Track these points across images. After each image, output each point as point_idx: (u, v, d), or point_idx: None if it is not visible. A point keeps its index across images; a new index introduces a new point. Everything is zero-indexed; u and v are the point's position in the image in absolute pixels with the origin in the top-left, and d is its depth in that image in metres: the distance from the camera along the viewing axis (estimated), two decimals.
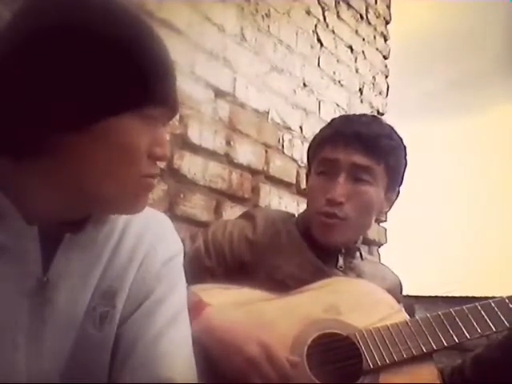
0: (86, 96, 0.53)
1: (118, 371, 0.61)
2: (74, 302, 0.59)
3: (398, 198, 1.11)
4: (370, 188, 0.99)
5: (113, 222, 0.65)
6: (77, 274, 0.60)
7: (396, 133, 1.06)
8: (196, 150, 1.44)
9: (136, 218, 0.67)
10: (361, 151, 0.98)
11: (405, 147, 1.07)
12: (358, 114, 1.15)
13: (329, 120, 1.14)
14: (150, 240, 0.67)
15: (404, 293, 1.20)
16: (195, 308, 0.78)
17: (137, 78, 0.55)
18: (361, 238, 1.12)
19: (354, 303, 0.94)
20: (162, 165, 0.65)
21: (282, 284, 0.96)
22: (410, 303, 2.23)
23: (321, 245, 1.02)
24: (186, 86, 1.43)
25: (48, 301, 0.57)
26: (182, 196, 1.38)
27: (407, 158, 1.08)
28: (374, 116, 1.14)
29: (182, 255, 0.72)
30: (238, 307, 0.88)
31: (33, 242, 0.57)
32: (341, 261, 1.05)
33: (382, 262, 2.03)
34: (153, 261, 0.66)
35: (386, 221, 2.14)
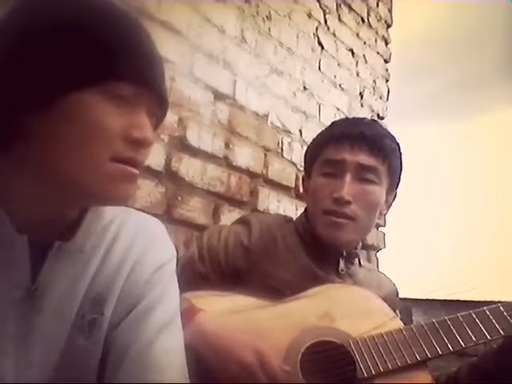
0: (45, 72, 0.54)
1: (109, 379, 0.60)
2: (62, 310, 0.59)
3: (396, 201, 1.12)
4: (375, 187, 1.01)
5: (103, 229, 0.65)
6: (66, 283, 0.60)
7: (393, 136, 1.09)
8: (195, 152, 1.44)
9: (127, 225, 0.67)
10: (366, 151, 1.00)
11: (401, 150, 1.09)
12: (358, 117, 1.18)
13: (328, 123, 1.15)
14: (140, 247, 0.67)
15: (402, 296, 1.20)
16: (187, 313, 0.78)
17: (95, 53, 0.55)
18: (360, 242, 1.12)
19: (349, 310, 0.94)
20: (146, 154, 0.60)
21: (276, 291, 0.95)
22: (408, 306, 2.23)
23: (323, 247, 1.02)
24: (186, 87, 1.43)
25: (36, 309, 0.57)
26: (179, 199, 1.38)
27: (403, 161, 1.09)
28: (373, 119, 1.16)
29: (175, 262, 0.72)
30: (231, 314, 0.88)
31: (22, 251, 0.57)
32: (342, 264, 1.04)
33: (380, 266, 2.03)
34: (143, 267, 0.66)
35: (384, 226, 2.14)
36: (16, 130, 0.55)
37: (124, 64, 0.56)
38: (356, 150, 1.00)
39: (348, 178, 0.99)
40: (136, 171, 0.59)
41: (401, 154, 1.07)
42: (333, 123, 1.13)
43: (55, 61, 0.54)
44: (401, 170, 1.08)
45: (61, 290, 0.59)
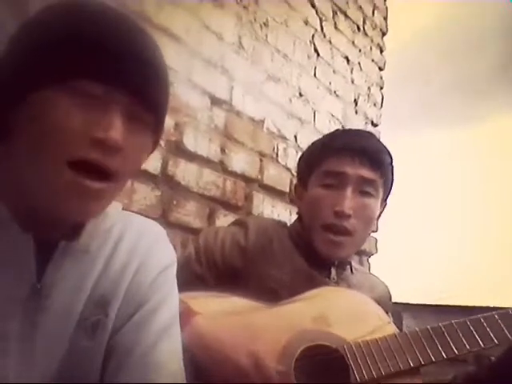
0: (18, 69, 0.54)
1: (109, 380, 0.61)
2: (66, 310, 0.60)
3: (389, 207, 1.14)
4: (373, 200, 1.03)
5: (108, 231, 0.65)
6: (70, 282, 0.60)
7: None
8: (191, 157, 1.45)
9: (130, 228, 0.68)
10: (367, 165, 1.01)
11: None
12: (354, 128, 1.20)
13: (323, 130, 1.17)
14: (144, 250, 0.67)
15: (393, 300, 1.21)
16: (184, 316, 0.78)
17: (61, 49, 0.53)
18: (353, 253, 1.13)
19: (344, 314, 0.95)
20: (120, 161, 0.55)
21: (272, 292, 0.96)
22: (398, 311, 2.25)
23: (317, 256, 1.03)
24: (183, 93, 1.44)
25: (41, 308, 0.58)
26: (175, 203, 1.39)
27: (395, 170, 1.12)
28: (368, 131, 1.18)
29: (176, 265, 0.73)
30: (227, 316, 0.88)
31: (28, 249, 0.57)
32: (333, 272, 1.06)
33: (372, 271, 2.05)
34: (147, 271, 0.67)
35: (376, 231, 2.15)
36: (2, 127, 0.56)
37: (93, 61, 0.53)
38: (357, 164, 1.01)
39: (349, 191, 1.00)
40: (99, 185, 0.53)
41: (393, 166, 1.09)
42: (333, 134, 1.13)
43: (27, 57, 0.54)
44: (392, 181, 1.10)
45: (65, 290, 0.60)
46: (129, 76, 0.55)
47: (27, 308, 0.57)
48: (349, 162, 1.01)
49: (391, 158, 1.08)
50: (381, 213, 1.12)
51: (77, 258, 0.61)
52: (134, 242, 0.67)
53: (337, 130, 1.17)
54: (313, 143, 1.14)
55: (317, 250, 1.02)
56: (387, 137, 2.24)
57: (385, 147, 1.09)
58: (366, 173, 1.01)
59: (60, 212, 0.55)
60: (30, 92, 0.53)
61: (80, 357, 0.60)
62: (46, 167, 0.53)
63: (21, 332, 0.56)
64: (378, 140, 1.11)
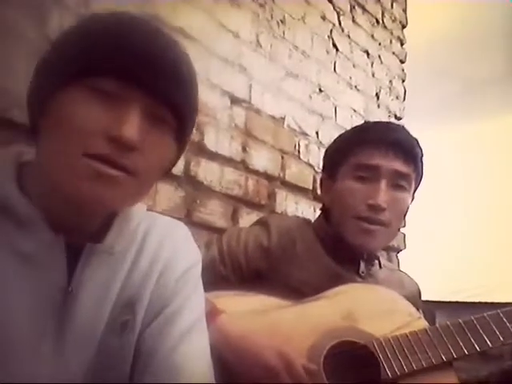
0: (46, 71, 0.57)
1: (137, 381, 0.61)
2: (95, 311, 0.60)
3: (417, 202, 1.12)
4: (405, 194, 1.02)
5: (133, 232, 0.65)
6: (98, 284, 0.61)
7: None
8: (212, 156, 1.45)
9: (155, 228, 0.68)
10: (401, 158, 1.00)
11: None
12: (384, 120, 1.18)
13: (345, 125, 1.15)
14: (169, 250, 0.68)
15: (424, 298, 1.18)
16: (209, 316, 0.78)
17: (79, 47, 0.55)
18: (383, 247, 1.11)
19: (372, 310, 0.93)
20: (137, 159, 0.55)
21: (297, 291, 0.95)
22: (431, 309, 2.20)
23: (345, 250, 1.01)
24: (202, 93, 1.43)
25: (71, 310, 0.58)
26: (198, 203, 1.39)
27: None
28: (399, 124, 1.16)
29: (200, 265, 0.73)
30: (253, 315, 0.88)
31: (60, 253, 0.58)
32: (362, 266, 1.04)
33: (401, 267, 2.01)
34: (172, 271, 0.67)
35: (404, 226, 2.11)
36: (34, 130, 0.58)
37: (111, 59, 0.54)
38: (391, 157, 0.99)
39: (383, 184, 0.99)
40: (114, 172, 0.54)
41: (423, 160, 1.07)
42: (363, 126, 1.12)
43: (54, 57, 0.57)
44: (422, 175, 1.08)
45: (94, 291, 0.60)
46: (150, 76, 0.55)
47: (58, 310, 0.57)
48: (382, 155, 0.99)
49: (422, 151, 1.06)
50: (408, 207, 1.10)
51: (103, 259, 0.61)
52: (158, 243, 0.67)
53: (367, 122, 1.15)
54: (340, 135, 1.12)
55: (347, 242, 1.00)
56: (410, 130, 2.19)
57: (416, 140, 1.06)
58: (400, 166, 1.00)
59: (75, 198, 0.55)
60: (56, 91, 0.55)
61: (110, 357, 0.60)
62: (65, 158, 0.54)
63: (52, 333, 0.57)
64: (410, 133, 1.09)
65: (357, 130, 1.11)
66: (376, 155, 1.00)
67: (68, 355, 0.57)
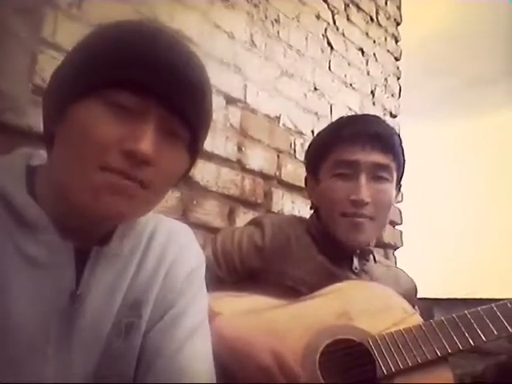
0: (62, 84, 0.58)
1: (140, 381, 0.62)
2: (101, 313, 0.61)
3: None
4: (388, 185, 1.02)
5: (138, 234, 0.66)
6: (104, 286, 0.61)
7: None
8: (208, 156, 1.45)
9: (160, 231, 0.69)
10: (380, 150, 1.00)
11: None
12: (359, 114, 1.17)
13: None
14: (173, 252, 0.68)
15: (422, 296, 1.18)
16: None
17: (95, 61, 0.55)
18: (374, 240, 1.11)
19: (366, 308, 0.93)
20: (152, 173, 0.56)
21: (292, 290, 0.95)
22: (429, 306, 2.20)
23: (337, 247, 1.02)
24: None
25: (78, 313, 0.59)
26: (195, 203, 1.39)
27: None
28: (375, 115, 1.16)
29: (204, 267, 0.73)
30: (248, 315, 0.88)
31: (68, 257, 0.58)
32: (356, 262, 1.04)
33: (398, 265, 2.02)
34: (176, 273, 0.68)
35: (401, 223, 2.12)
36: (49, 139, 0.59)
37: (126, 72, 0.54)
38: (368, 149, 1.00)
39: (363, 179, 0.99)
40: (130, 186, 0.54)
41: (403, 148, 1.07)
42: (338, 122, 1.11)
43: (69, 69, 0.58)
44: (404, 163, 1.08)
45: (100, 294, 0.61)
46: (167, 91, 0.55)
47: (66, 313, 0.58)
48: (360, 149, 1.00)
49: (400, 139, 1.06)
50: (396, 196, 1.10)
51: (109, 262, 0.62)
52: (163, 245, 0.68)
53: (341, 117, 1.14)
54: (318, 134, 1.13)
55: (338, 239, 1.01)
56: (407, 127, 2.20)
57: (393, 129, 1.07)
58: (379, 158, 1.00)
59: (91, 210, 0.55)
60: (74, 102, 0.55)
61: (115, 358, 0.61)
62: (80, 170, 0.55)
63: (59, 336, 0.57)
64: (386, 122, 1.09)
65: (333, 127, 1.10)
66: (353, 150, 1.00)
67: (73, 357, 0.58)
